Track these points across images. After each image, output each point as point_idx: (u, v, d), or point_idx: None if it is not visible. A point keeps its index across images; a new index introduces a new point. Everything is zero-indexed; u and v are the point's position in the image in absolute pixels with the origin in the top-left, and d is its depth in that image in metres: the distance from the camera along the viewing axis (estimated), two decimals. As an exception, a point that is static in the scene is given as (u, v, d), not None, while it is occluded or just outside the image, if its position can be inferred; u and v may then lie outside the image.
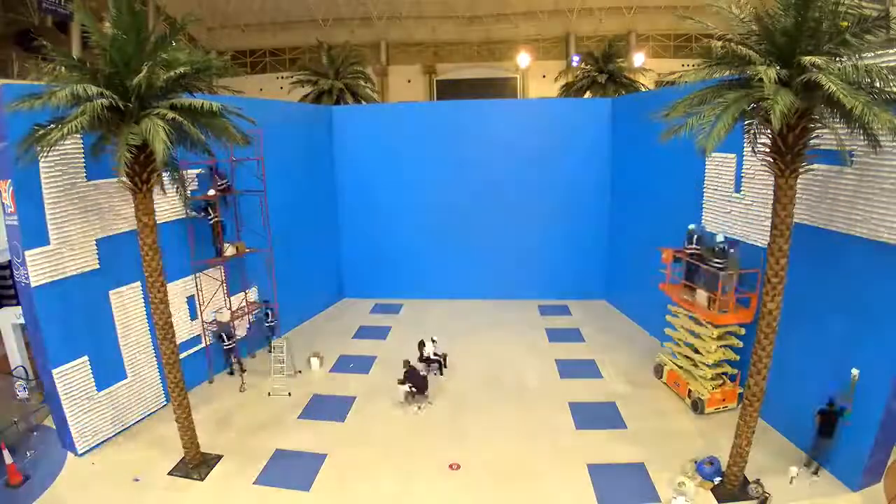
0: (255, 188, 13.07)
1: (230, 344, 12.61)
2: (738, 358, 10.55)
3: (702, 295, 10.49)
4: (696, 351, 10.98)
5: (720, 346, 10.48)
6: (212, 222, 12.08)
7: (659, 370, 12.23)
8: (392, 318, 16.61)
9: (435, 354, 12.71)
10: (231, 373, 12.86)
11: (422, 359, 12.47)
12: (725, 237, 10.47)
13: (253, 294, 13.89)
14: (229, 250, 12.51)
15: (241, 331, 13.33)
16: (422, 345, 12.73)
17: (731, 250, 10.13)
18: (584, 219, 16.92)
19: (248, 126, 11.20)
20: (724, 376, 10.81)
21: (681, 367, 11.43)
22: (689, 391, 11.02)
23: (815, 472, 8.74)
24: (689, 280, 11.06)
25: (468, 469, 9.20)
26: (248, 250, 13.06)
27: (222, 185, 12.25)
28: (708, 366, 10.57)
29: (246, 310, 13.29)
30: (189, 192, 11.48)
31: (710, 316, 10.28)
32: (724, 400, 10.67)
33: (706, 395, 10.57)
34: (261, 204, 13.17)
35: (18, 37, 26.29)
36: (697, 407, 10.77)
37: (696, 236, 11.03)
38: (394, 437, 10.17)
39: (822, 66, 6.06)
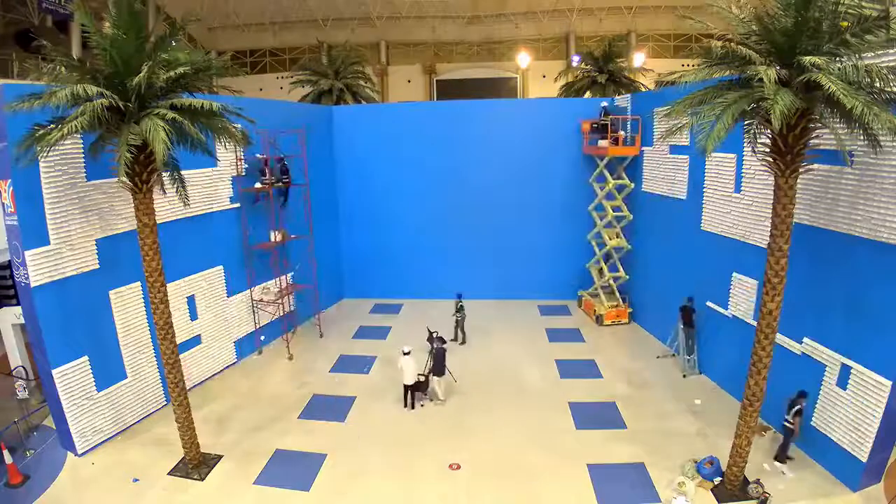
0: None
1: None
2: (627, 278, 15.53)
3: (604, 142, 14.96)
4: (603, 251, 15.72)
5: (616, 233, 15.41)
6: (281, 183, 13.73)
7: (580, 301, 16.97)
8: (392, 318, 16.61)
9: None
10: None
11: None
12: (615, 104, 15.80)
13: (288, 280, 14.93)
14: (276, 236, 13.80)
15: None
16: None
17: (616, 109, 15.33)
18: (584, 219, 16.90)
19: (294, 126, 13.94)
20: (617, 297, 15.75)
21: (592, 296, 16.36)
22: (594, 311, 15.73)
23: (689, 355, 12.32)
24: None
25: (468, 469, 9.20)
26: (291, 237, 14.33)
27: (283, 180, 13.63)
28: (607, 266, 15.67)
29: (288, 290, 14.48)
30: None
31: (608, 151, 14.73)
32: (617, 316, 15.56)
33: (604, 311, 15.47)
34: (305, 197, 14.72)
35: (18, 37, 26.33)
36: (599, 320, 15.58)
37: (605, 110, 15.63)
38: (394, 437, 10.17)
39: (822, 66, 6.05)
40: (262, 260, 13.99)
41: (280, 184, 13.78)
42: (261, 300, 13.97)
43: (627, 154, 14.88)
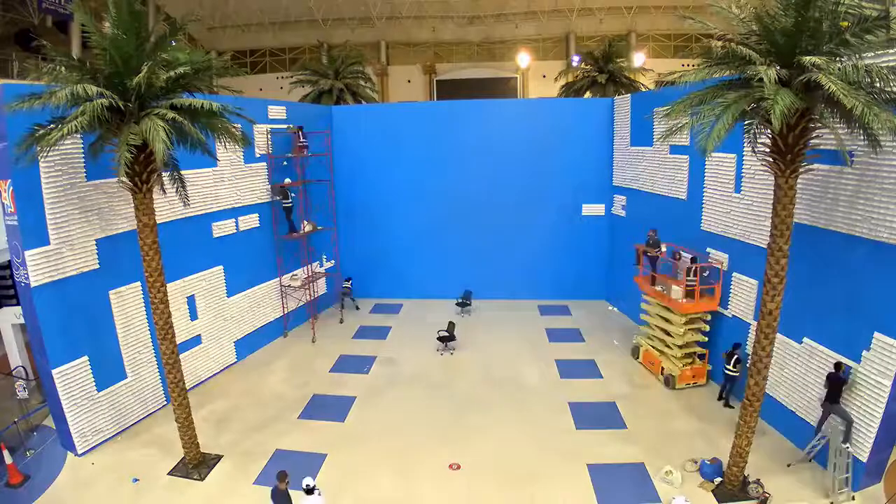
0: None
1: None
2: (706, 339, 11.75)
3: (678, 289, 11.41)
4: (668, 334, 12.04)
5: (688, 330, 11.55)
6: (285, 206, 14.39)
7: (636, 351, 13.31)
8: (392, 318, 16.61)
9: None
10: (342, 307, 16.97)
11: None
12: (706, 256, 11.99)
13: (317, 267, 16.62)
14: (306, 227, 15.02)
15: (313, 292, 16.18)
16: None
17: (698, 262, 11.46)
18: (584, 219, 16.93)
19: (320, 128, 16.16)
20: (694, 355, 11.94)
21: (655, 348, 12.53)
22: (662, 369, 12.13)
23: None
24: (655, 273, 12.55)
25: (468, 469, 9.20)
26: (319, 228, 15.57)
27: (303, 143, 14.91)
28: (678, 346, 11.68)
29: (313, 277, 15.75)
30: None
31: (678, 306, 11.41)
32: (693, 377, 11.79)
33: (677, 372, 11.67)
34: (328, 193, 16.44)
35: (18, 37, 26.33)
36: (669, 383, 11.89)
37: (652, 239, 12.48)
38: (394, 437, 10.17)
39: (822, 66, 6.06)
40: (290, 250, 15.04)
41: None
42: (289, 286, 15.05)
43: (703, 310, 11.38)
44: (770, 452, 9.26)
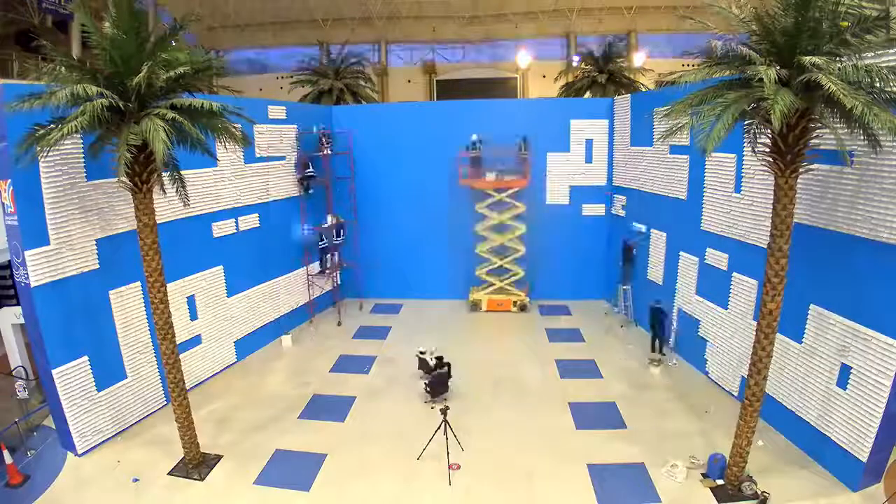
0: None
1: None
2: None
3: (490, 175, 16.14)
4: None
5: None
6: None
7: (477, 305, 16.87)
8: (392, 318, 16.61)
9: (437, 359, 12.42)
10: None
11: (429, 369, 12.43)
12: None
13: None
14: (330, 220, 16.31)
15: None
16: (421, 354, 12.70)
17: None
18: (584, 219, 16.91)
19: (341, 127, 17.21)
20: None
21: (493, 294, 16.78)
22: (514, 302, 16.65)
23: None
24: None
25: (468, 469, 9.19)
26: (341, 221, 16.82)
27: (309, 173, 15.53)
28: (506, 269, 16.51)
29: (335, 268, 16.81)
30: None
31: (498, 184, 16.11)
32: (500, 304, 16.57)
33: (525, 298, 16.67)
34: (349, 190, 17.20)
35: (18, 37, 26.32)
36: (525, 308, 16.58)
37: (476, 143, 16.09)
38: (394, 437, 10.17)
39: (823, 66, 6.05)
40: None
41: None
42: (313, 275, 16.02)
43: (516, 186, 16.04)
44: (770, 452, 9.26)
